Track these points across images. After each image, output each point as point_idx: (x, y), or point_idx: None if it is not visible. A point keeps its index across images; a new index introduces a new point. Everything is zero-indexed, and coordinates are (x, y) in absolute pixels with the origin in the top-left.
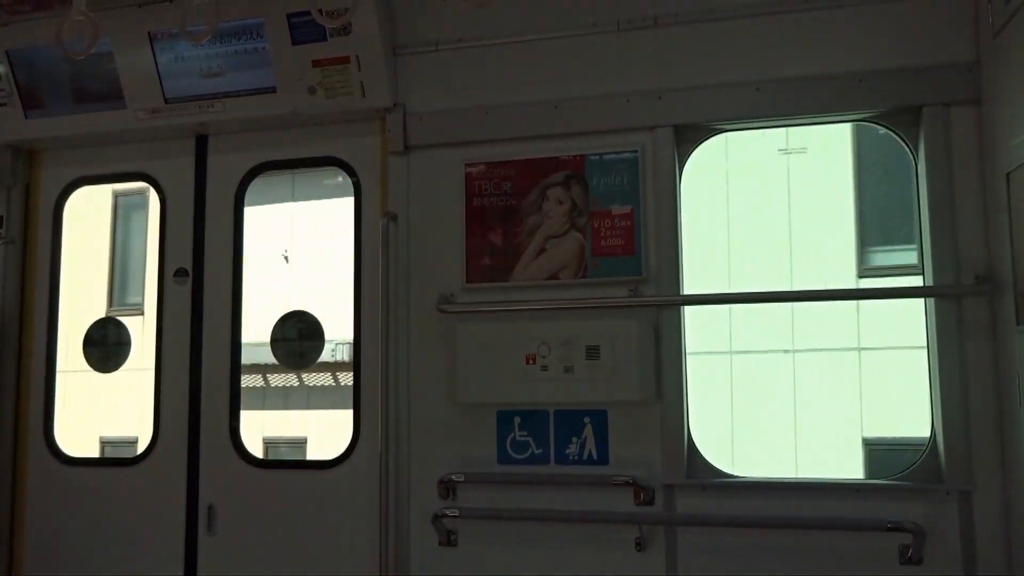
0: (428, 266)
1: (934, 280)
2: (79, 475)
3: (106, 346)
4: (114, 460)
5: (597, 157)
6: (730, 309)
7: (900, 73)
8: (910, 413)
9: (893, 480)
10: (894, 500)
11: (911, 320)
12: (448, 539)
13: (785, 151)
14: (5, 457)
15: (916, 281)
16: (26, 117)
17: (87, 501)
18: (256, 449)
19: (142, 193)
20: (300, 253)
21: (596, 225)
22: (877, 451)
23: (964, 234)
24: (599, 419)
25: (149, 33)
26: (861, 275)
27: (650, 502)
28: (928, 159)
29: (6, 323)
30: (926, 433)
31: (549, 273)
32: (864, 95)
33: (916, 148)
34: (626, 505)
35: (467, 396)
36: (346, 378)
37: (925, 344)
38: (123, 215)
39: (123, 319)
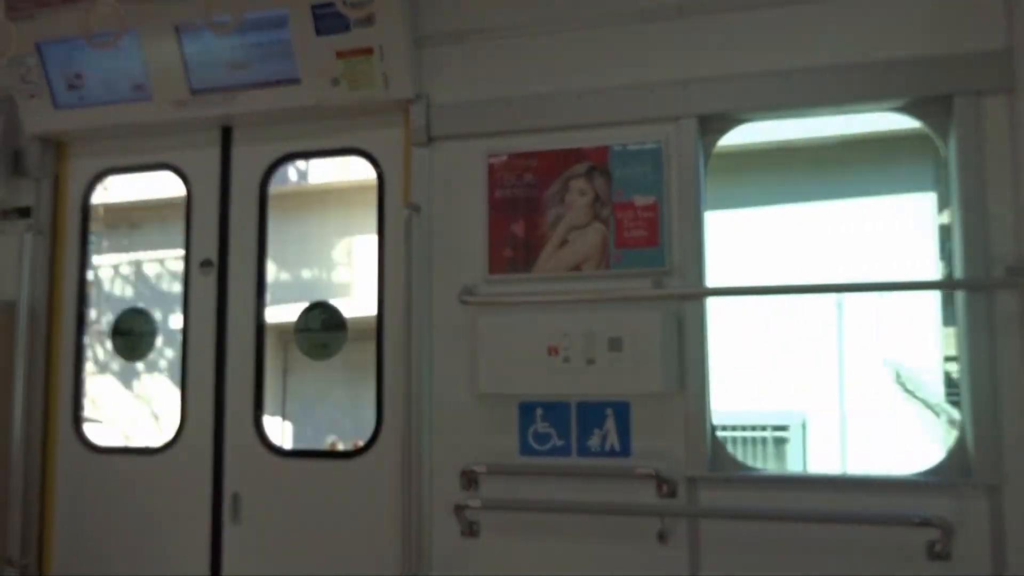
0: (450, 257)
1: (964, 272)
2: (107, 463)
3: (133, 335)
4: (141, 449)
5: (620, 148)
6: None
7: (930, 61)
8: None
9: (921, 475)
10: (922, 495)
11: None
12: (470, 530)
13: None
14: (35, 445)
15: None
16: (55, 109)
17: (114, 489)
18: None
19: None
20: None
21: (619, 216)
22: None
23: (995, 225)
24: (621, 411)
25: (175, 25)
26: None
27: (672, 494)
28: (959, 149)
29: (35, 314)
30: None
31: (572, 265)
32: (893, 84)
33: (946, 138)
34: (648, 497)
35: (489, 387)
36: None
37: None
38: None
39: None
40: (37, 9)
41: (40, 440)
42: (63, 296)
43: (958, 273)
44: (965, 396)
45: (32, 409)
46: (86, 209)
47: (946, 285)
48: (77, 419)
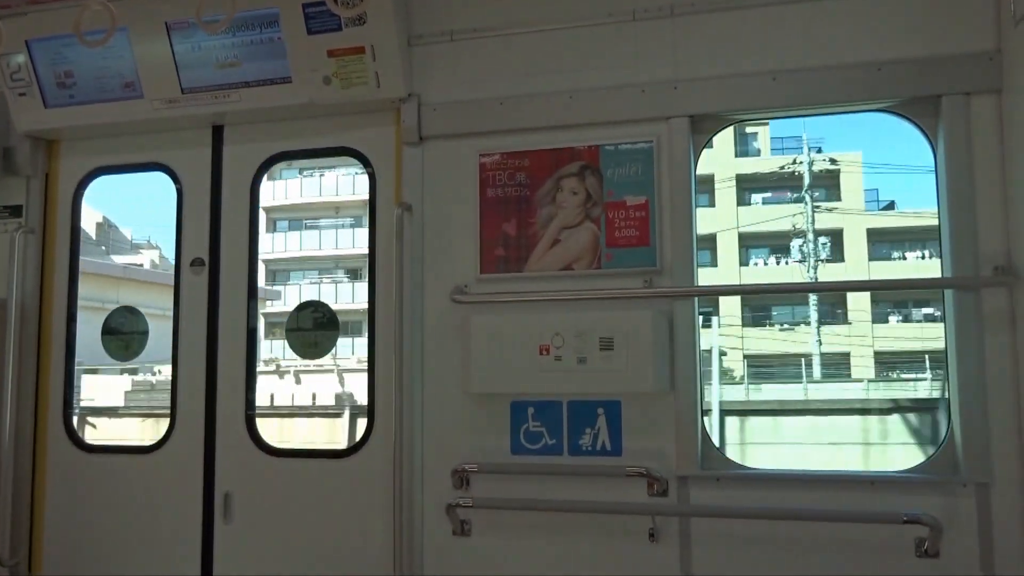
0: (442, 256)
1: (953, 271)
2: (98, 462)
3: (124, 335)
4: (132, 448)
5: (612, 147)
6: None
7: (920, 62)
8: None
9: (910, 473)
10: (911, 493)
11: None
12: (462, 529)
13: None
14: (25, 444)
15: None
16: (46, 107)
17: (105, 488)
18: None
19: None
20: None
21: (611, 216)
22: None
23: (984, 225)
24: (613, 410)
25: (166, 23)
26: None
27: (663, 493)
28: (948, 149)
29: (26, 312)
30: None
31: (563, 264)
32: (883, 84)
33: (935, 138)
34: (639, 496)
35: (481, 386)
36: None
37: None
38: None
39: None
40: (28, 7)
41: (31, 439)
42: (54, 294)
43: (947, 272)
44: (954, 394)
45: (23, 408)
46: (77, 207)
47: (936, 284)
48: (68, 418)
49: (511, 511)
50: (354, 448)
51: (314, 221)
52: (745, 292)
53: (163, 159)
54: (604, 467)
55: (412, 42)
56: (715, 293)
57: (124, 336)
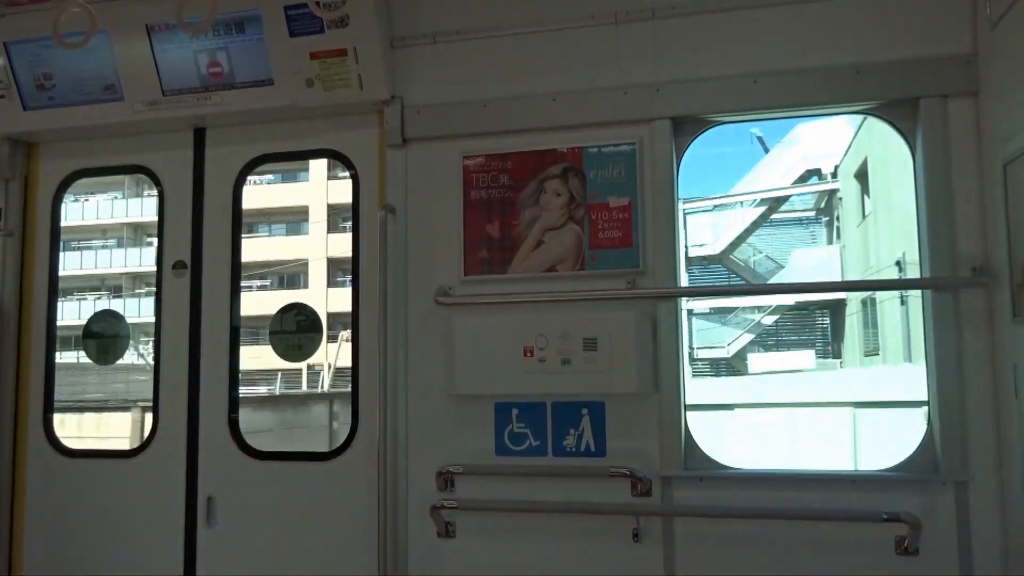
0: (426, 258)
1: (931, 272)
2: (79, 467)
3: (104, 338)
4: (114, 452)
5: (595, 149)
6: None
7: (897, 65)
8: None
9: (889, 472)
10: (890, 491)
11: None
12: (446, 530)
13: None
14: (5, 449)
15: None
16: (24, 109)
17: (87, 493)
18: None
19: None
20: None
21: (594, 217)
22: None
23: (961, 226)
24: (597, 411)
25: (147, 25)
26: None
27: (647, 493)
28: (925, 151)
29: (5, 315)
30: None
31: (547, 265)
32: (861, 87)
33: (913, 140)
34: (623, 497)
35: (465, 388)
36: None
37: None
38: None
39: None
40: (6, 8)
41: (10, 443)
42: (34, 298)
43: (925, 273)
44: (932, 394)
45: (2, 412)
46: (57, 210)
47: (914, 284)
48: (48, 421)
49: (495, 512)
50: (338, 450)
51: (84, 242)
52: (726, 294)
53: (144, 161)
54: (588, 468)
55: (395, 44)
56: (699, 294)
57: (104, 340)
